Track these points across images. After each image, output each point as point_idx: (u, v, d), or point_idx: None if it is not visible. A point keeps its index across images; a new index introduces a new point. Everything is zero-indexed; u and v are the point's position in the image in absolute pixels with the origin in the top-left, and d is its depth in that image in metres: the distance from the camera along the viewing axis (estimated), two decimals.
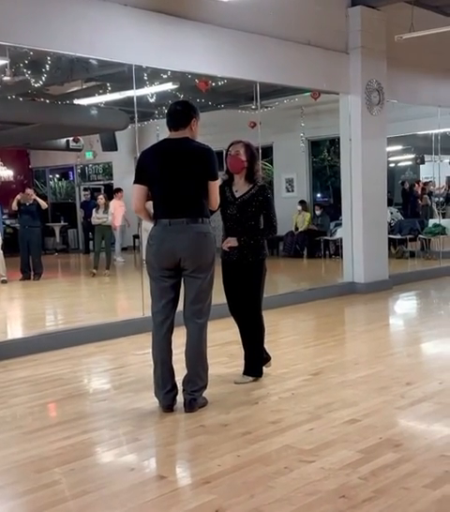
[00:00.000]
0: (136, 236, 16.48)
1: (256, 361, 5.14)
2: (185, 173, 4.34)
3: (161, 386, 4.41)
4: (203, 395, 4.50)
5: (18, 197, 12.59)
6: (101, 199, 13.21)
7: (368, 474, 3.32)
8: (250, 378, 5.10)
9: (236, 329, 5.20)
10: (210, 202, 4.46)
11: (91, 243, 14.13)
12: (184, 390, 4.44)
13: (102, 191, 18.07)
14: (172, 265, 4.36)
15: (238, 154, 5.01)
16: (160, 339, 4.40)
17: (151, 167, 4.41)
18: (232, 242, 5.00)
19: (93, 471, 3.56)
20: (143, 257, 14.05)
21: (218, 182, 4.52)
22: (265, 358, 5.27)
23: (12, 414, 4.61)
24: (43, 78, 11.07)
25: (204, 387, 4.49)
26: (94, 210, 13.35)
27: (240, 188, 5.06)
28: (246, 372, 5.13)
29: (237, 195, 5.05)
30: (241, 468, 3.45)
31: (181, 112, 4.44)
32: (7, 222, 16.02)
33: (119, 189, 15.27)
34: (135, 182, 4.46)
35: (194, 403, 4.39)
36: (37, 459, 3.67)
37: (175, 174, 4.33)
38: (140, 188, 4.44)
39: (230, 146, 5.07)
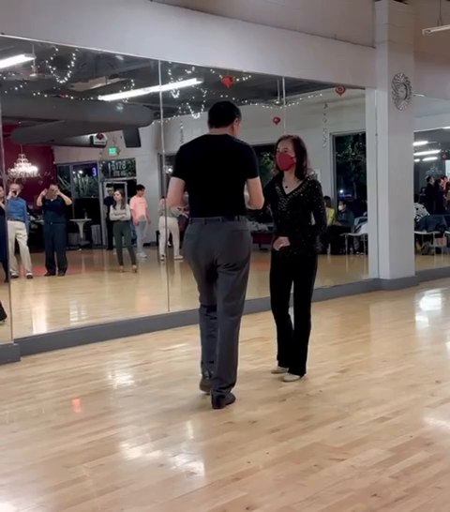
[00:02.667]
0: (159, 232, 16.52)
1: (303, 359, 5.07)
2: (223, 170, 4.32)
3: (206, 358, 4.58)
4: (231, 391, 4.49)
5: (42, 193, 12.66)
6: (118, 195, 13.24)
7: (400, 472, 3.28)
8: (297, 376, 5.03)
9: (262, 326, 5.19)
10: (252, 200, 4.44)
11: (114, 239, 14.18)
12: (212, 386, 4.42)
13: (125, 188, 18.16)
14: (208, 263, 4.41)
15: (286, 150, 4.93)
16: (206, 325, 4.62)
17: (190, 161, 4.39)
18: (285, 242, 4.94)
19: (122, 466, 3.56)
20: (162, 252, 14.00)
21: (259, 180, 4.45)
22: None
23: (40, 408, 4.63)
24: (68, 74, 11.13)
25: (233, 385, 4.47)
26: (111, 206, 13.40)
27: (290, 184, 4.98)
28: (292, 370, 5.06)
29: (287, 191, 4.97)
30: (270, 465, 3.43)
31: (224, 110, 4.47)
32: (32, 218, 16.14)
33: (141, 187, 15.30)
34: (173, 175, 4.46)
35: (222, 400, 4.37)
36: (67, 453, 3.68)
37: (213, 171, 4.32)
38: (178, 181, 4.42)
39: (278, 142, 5.00)
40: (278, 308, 5.10)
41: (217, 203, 4.34)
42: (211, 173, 4.32)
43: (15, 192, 11.81)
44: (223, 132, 4.39)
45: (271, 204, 4.97)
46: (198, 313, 4.73)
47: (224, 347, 4.39)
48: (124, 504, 3.06)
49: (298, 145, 4.95)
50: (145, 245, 16.09)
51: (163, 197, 14.04)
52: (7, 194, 10.29)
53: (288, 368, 5.09)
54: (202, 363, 4.66)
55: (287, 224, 4.95)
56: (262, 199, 4.51)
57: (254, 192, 4.41)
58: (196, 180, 4.38)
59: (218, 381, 4.39)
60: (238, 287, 4.41)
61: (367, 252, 10.65)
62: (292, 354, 5.09)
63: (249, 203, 4.46)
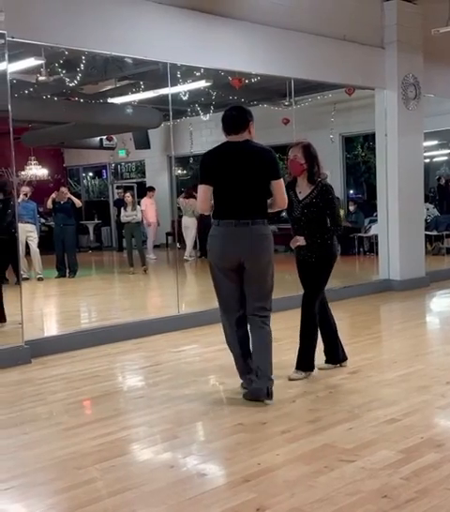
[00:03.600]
0: (168, 234, 16.55)
1: (306, 356, 5.13)
2: (249, 175, 4.44)
3: (245, 372, 4.60)
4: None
5: (53, 195, 12.72)
6: (128, 197, 13.29)
7: (410, 474, 3.27)
8: (303, 373, 5.10)
9: (275, 326, 5.13)
10: (277, 201, 4.55)
11: (124, 241, 14.24)
12: (258, 384, 4.49)
13: (135, 189, 18.20)
14: (234, 266, 4.48)
15: (296, 157, 5.02)
16: (235, 337, 4.60)
17: (217, 168, 4.49)
18: (301, 241, 5.07)
19: (133, 468, 3.57)
20: (187, 254, 13.96)
21: (282, 181, 4.56)
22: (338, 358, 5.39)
23: (51, 410, 4.65)
24: (77, 77, 11.18)
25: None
26: (122, 208, 13.45)
27: (303, 189, 5.08)
28: (298, 367, 5.14)
29: (301, 197, 5.08)
30: (281, 467, 3.43)
31: (238, 117, 4.55)
32: (42, 221, 16.20)
33: (151, 188, 15.33)
34: (202, 182, 4.52)
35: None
36: (78, 455, 3.70)
37: (240, 176, 4.43)
38: (207, 188, 4.50)
39: (289, 150, 5.10)
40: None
41: (245, 206, 4.43)
42: (238, 177, 4.43)
43: (26, 195, 11.88)
44: (243, 138, 4.50)
45: (287, 210, 5.05)
46: (223, 329, 4.70)
47: (264, 346, 4.51)
48: (135, 506, 3.07)
49: (308, 151, 5.03)
50: (155, 247, 16.12)
51: (186, 197, 14.09)
52: (17, 197, 10.35)
53: (333, 365, 5.35)
54: (242, 375, 4.69)
55: (302, 229, 5.09)
56: (286, 200, 4.64)
57: (279, 193, 4.53)
58: (224, 185, 4.47)
59: (266, 378, 4.48)
60: (267, 288, 4.54)
61: (377, 253, 10.61)
62: (299, 351, 5.19)
63: (274, 204, 4.57)
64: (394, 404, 4.41)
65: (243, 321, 4.59)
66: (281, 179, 4.53)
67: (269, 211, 4.57)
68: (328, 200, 5.02)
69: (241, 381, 4.70)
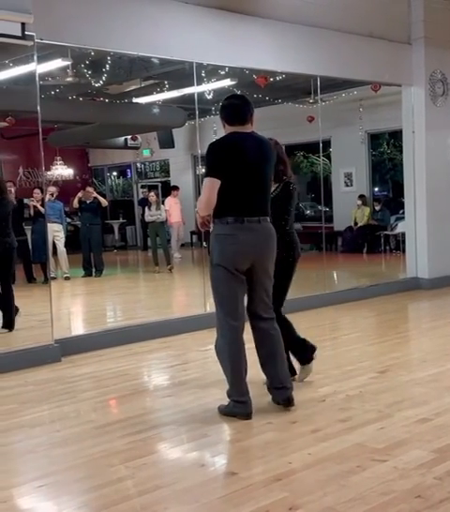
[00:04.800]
0: (193, 232, 16.57)
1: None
2: (265, 169, 4.24)
3: (245, 392, 4.24)
4: None
5: (79, 195, 12.81)
6: (153, 196, 13.34)
7: (444, 474, 3.24)
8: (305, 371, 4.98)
9: (297, 326, 5.10)
10: None
11: (149, 240, 14.29)
12: (283, 387, 4.34)
13: (159, 189, 18.27)
14: (247, 268, 4.19)
15: None
16: (241, 346, 4.22)
17: (229, 160, 4.12)
18: None
19: (164, 466, 3.59)
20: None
21: None
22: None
23: (82, 408, 4.69)
24: (103, 77, 11.26)
25: None
26: (146, 208, 13.49)
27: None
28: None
29: None
30: (312, 466, 3.41)
31: (244, 106, 4.27)
32: (68, 220, 16.34)
33: (176, 187, 15.36)
34: (211, 176, 4.10)
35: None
36: (108, 453, 3.72)
37: (258, 170, 4.18)
38: (216, 182, 4.08)
39: None
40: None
41: (257, 202, 4.20)
42: (256, 171, 4.17)
43: (52, 195, 12.00)
44: (249, 129, 4.24)
45: None
46: (230, 340, 4.22)
47: (279, 351, 4.35)
48: (167, 504, 3.08)
49: None
50: (181, 246, 16.15)
51: None
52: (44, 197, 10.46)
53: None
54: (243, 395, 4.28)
55: None
56: None
57: None
58: (235, 179, 4.11)
59: (287, 379, 4.40)
60: (272, 288, 4.36)
61: (403, 251, 10.52)
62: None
63: None
64: (425, 404, 4.37)
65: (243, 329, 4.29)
66: None
67: None
68: (282, 196, 4.75)
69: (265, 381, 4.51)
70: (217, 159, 4.14)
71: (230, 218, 4.14)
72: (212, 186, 4.09)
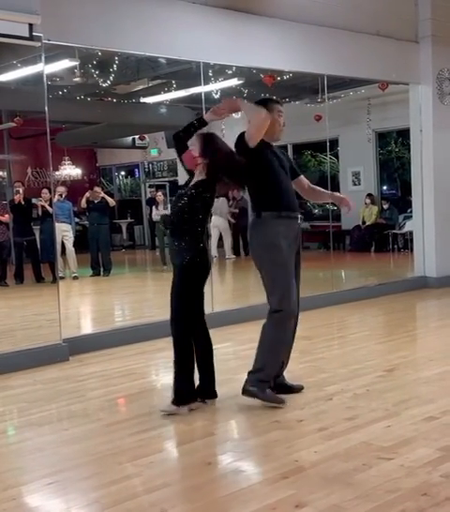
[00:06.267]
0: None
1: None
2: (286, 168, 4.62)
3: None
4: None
5: (87, 194, 12.85)
6: (160, 196, 13.39)
7: None
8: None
9: (307, 325, 5.14)
10: None
11: (156, 239, 14.32)
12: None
13: (167, 188, 18.29)
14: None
15: (192, 149, 4.53)
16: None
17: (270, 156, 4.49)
18: None
19: (171, 464, 3.62)
20: (214, 253, 13.93)
21: None
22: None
23: (91, 406, 4.72)
24: (110, 77, 11.30)
25: None
26: (154, 207, 13.51)
27: None
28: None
29: None
30: (318, 464, 3.43)
31: None
32: (76, 220, 16.39)
33: None
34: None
35: None
36: (117, 451, 3.75)
37: (285, 168, 4.58)
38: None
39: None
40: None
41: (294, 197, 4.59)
42: (284, 169, 4.57)
43: (61, 195, 12.05)
44: None
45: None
46: (281, 329, 4.43)
47: (262, 340, 4.57)
48: (175, 501, 3.11)
49: (205, 142, 4.48)
50: None
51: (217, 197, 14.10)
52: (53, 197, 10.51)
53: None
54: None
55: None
56: None
57: None
58: (279, 175, 4.48)
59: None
60: (266, 282, 4.53)
61: (411, 250, 10.50)
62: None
63: None
64: (431, 402, 4.37)
65: None
66: None
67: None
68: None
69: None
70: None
71: (277, 213, 4.46)
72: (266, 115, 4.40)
